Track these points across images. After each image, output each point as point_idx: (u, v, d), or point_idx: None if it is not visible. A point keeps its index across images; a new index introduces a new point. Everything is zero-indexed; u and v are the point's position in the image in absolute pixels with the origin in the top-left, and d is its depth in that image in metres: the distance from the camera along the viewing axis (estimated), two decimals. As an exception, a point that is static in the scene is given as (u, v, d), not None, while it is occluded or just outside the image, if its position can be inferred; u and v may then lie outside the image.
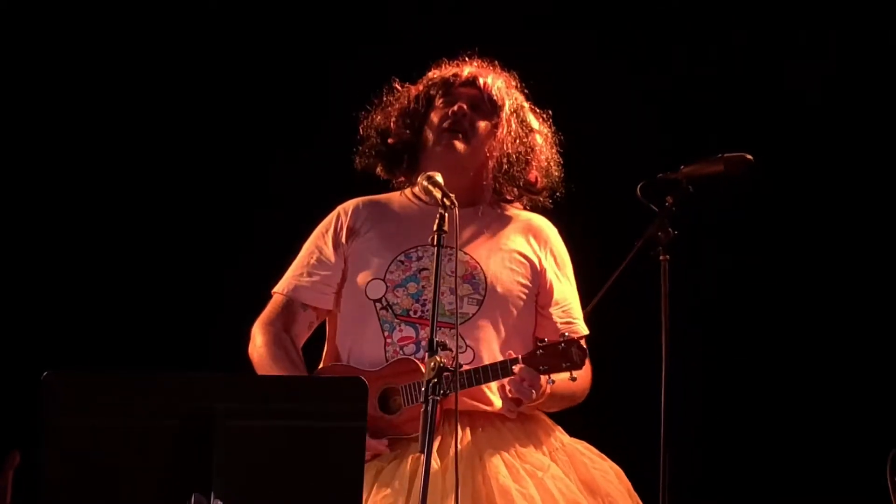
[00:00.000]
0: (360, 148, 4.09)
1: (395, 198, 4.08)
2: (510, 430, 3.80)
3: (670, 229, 3.95)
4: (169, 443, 2.92)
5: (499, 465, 3.69)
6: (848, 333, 5.34)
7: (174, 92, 5.50)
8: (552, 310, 3.94)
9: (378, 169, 4.09)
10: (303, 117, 5.50)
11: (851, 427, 5.25)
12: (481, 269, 3.89)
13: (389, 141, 4.04)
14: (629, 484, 3.84)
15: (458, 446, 3.64)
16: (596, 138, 5.08)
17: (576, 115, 4.26)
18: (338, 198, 4.11)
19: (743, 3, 5.45)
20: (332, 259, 3.98)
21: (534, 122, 4.04)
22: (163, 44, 5.50)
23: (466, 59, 4.09)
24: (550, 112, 4.10)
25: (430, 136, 3.99)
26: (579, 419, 3.97)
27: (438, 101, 4.01)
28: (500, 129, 3.98)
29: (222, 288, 5.42)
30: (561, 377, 3.71)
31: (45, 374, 2.89)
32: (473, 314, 3.84)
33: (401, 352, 3.82)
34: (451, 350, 3.43)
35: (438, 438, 3.66)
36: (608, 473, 3.82)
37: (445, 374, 3.32)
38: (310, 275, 3.98)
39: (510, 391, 3.69)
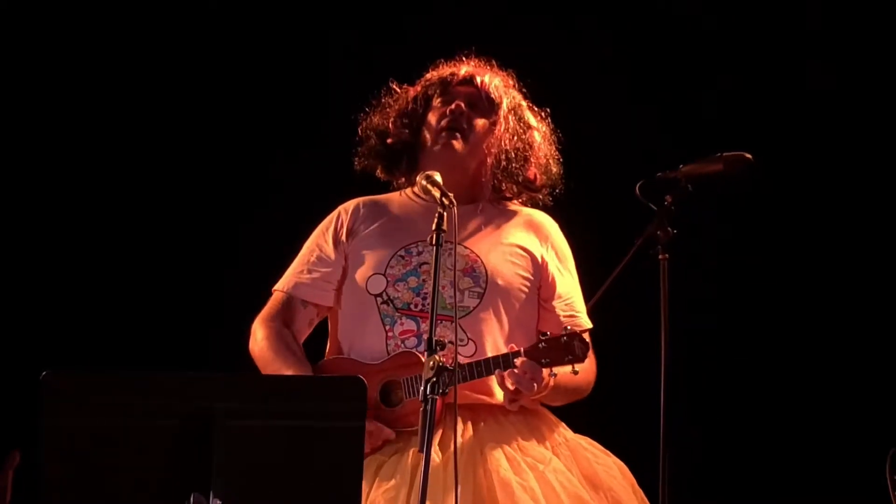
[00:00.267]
0: (360, 149, 4.10)
1: (395, 197, 4.10)
2: (512, 424, 3.80)
3: (669, 228, 3.95)
4: (168, 443, 2.93)
5: (500, 459, 3.69)
6: (848, 332, 5.33)
7: (174, 92, 5.51)
8: (555, 303, 3.94)
9: (378, 171, 4.10)
10: (303, 117, 5.50)
11: (851, 426, 5.25)
12: (482, 262, 3.90)
13: (388, 141, 4.05)
14: (633, 480, 3.84)
15: (459, 439, 3.65)
16: (595, 138, 5.09)
17: (575, 114, 4.27)
18: (338, 198, 4.12)
19: (743, 2, 5.45)
20: (333, 257, 3.99)
21: (532, 120, 4.05)
22: (163, 44, 5.50)
23: (463, 58, 4.10)
24: (549, 110, 4.10)
25: (428, 135, 4.00)
26: (579, 418, 3.98)
27: (436, 101, 4.03)
28: (498, 127, 3.99)
29: (222, 288, 5.42)
30: (563, 370, 3.71)
31: (44, 373, 2.89)
32: (475, 307, 3.85)
33: (402, 345, 3.82)
34: (451, 343, 3.44)
35: (440, 432, 3.66)
36: (611, 469, 3.82)
37: (445, 373, 3.32)
38: (310, 272, 3.99)
39: (511, 384, 3.69)
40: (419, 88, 4.08)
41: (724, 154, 4.00)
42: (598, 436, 3.93)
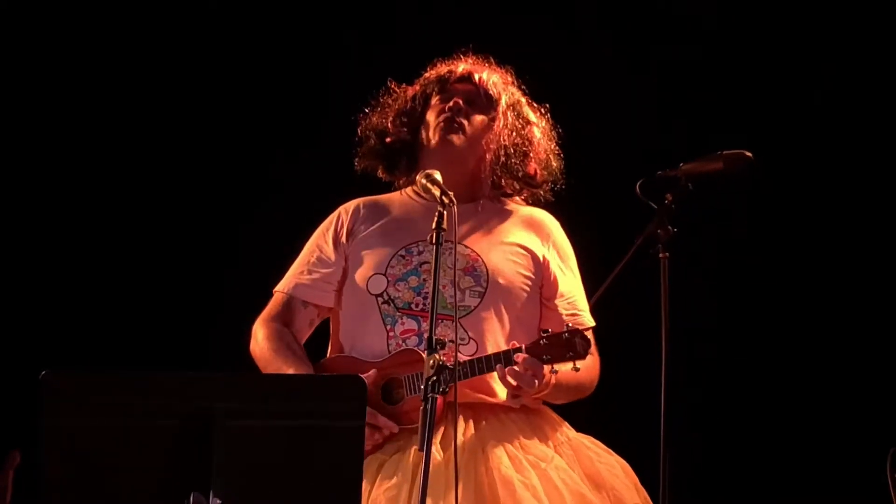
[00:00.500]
0: (359, 150, 4.10)
1: (395, 197, 4.10)
2: (514, 422, 3.80)
3: (670, 227, 3.95)
4: (168, 443, 2.92)
5: (501, 457, 3.68)
6: (848, 331, 5.33)
7: (175, 92, 5.51)
8: (557, 301, 3.94)
9: (379, 171, 4.10)
10: (303, 117, 5.50)
11: (851, 425, 5.24)
12: (483, 261, 3.89)
13: (387, 140, 4.05)
14: (636, 479, 3.83)
15: (461, 438, 3.65)
16: (596, 136, 5.09)
17: (576, 113, 4.26)
18: (338, 198, 4.12)
19: (743, 2, 5.45)
20: (333, 257, 4.00)
21: (531, 116, 4.05)
22: (163, 44, 5.50)
23: (461, 56, 4.10)
24: (548, 105, 4.10)
25: (427, 133, 4.00)
26: (580, 417, 3.97)
27: (434, 99, 4.03)
28: (497, 123, 3.99)
29: (222, 288, 5.42)
30: (565, 367, 3.71)
31: (44, 373, 2.89)
32: (476, 306, 3.85)
33: (404, 344, 3.82)
34: (451, 342, 3.44)
35: (441, 430, 3.67)
36: (614, 468, 3.81)
37: (446, 371, 3.32)
38: (310, 273, 3.99)
39: (512, 380, 3.68)
40: (418, 88, 4.08)
41: (725, 152, 4.00)
42: (599, 435, 3.92)
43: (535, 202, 4.07)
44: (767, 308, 5.40)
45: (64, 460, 2.91)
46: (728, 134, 4.42)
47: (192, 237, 5.49)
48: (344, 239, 4.01)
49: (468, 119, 3.98)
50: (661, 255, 3.94)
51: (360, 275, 3.92)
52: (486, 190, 4.01)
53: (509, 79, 4.09)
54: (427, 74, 4.10)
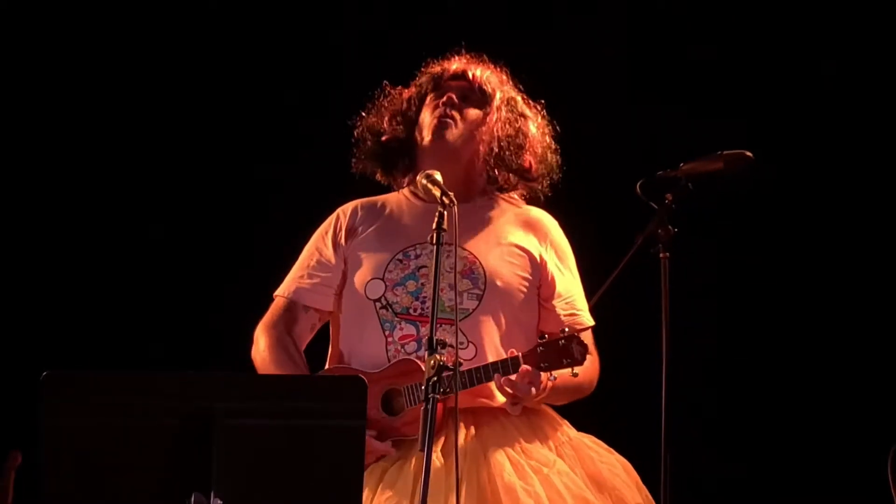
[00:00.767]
0: (357, 152, 4.10)
1: (392, 198, 4.09)
2: (515, 426, 3.79)
3: (670, 227, 3.95)
4: (169, 442, 2.92)
5: (503, 463, 3.68)
6: (848, 330, 5.33)
7: (175, 93, 5.50)
8: (555, 302, 3.93)
9: (378, 174, 4.10)
10: (303, 119, 5.50)
11: (851, 424, 5.24)
12: (480, 263, 3.89)
13: (383, 139, 4.04)
14: (637, 477, 3.83)
15: (462, 443, 3.65)
16: (595, 136, 5.09)
17: (575, 114, 4.26)
18: (338, 199, 4.12)
19: (743, 2, 5.45)
20: (332, 261, 3.99)
21: (526, 110, 4.04)
22: (163, 45, 5.50)
23: (455, 55, 4.10)
24: (544, 102, 4.10)
25: (422, 131, 3.99)
26: (580, 417, 3.97)
27: (429, 97, 4.03)
28: (491, 116, 3.98)
29: (222, 289, 5.42)
30: (563, 372, 3.71)
31: (44, 373, 2.89)
32: (474, 309, 3.84)
33: (402, 350, 3.81)
34: (451, 346, 3.43)
35: (442, 437, 3.66)
36: (615, 467, 3.81)
37: (446, 372, 3.32)
38: (310, 276, 3.99)
39: (509, 389, 3.68)
40: (413, 89, 4.08)
41: (725, 152, 3.99)
42: (599, 435, 3.92)
43: (534, 200, 4.07)
44: (767, 308, 5.40)
45: (64, 460, 2.91)
46: (728, 133, 4.42)
47: (192, 238, 5.49)
48: (343, 241, 4.00)
49: (462, 113, 3.97)
50: (661, 255, 3.94)
51: (358, 279, 3.91)
52: (481, 184, 4.01)
53: (504, 76, 4.08)
54: (422, 74, 4.10)
